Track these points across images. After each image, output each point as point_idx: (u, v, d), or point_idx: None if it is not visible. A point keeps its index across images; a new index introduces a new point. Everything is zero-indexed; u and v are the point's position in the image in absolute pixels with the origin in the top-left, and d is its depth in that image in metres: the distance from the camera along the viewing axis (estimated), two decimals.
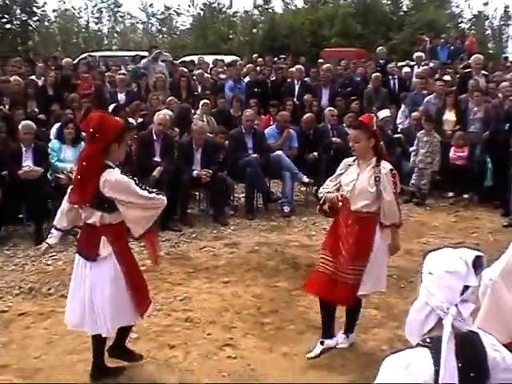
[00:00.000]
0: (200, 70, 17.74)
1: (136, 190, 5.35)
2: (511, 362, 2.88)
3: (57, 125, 11.43)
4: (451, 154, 12.85)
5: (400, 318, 6.73)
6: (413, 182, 12.84)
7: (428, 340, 2.81)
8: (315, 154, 12.69)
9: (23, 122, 10.59)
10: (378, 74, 16.41)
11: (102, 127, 5.33)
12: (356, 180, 6.19)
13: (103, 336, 5.71)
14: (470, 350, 2.80)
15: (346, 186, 6.25)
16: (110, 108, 13.12)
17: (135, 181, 5.40)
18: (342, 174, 6.39)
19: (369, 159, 6.21)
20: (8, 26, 33.57)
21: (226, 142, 12.46)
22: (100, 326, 5.59)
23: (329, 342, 6.55)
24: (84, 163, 5.41)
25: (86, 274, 5.56)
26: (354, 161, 6.35)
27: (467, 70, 15.86)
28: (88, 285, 5.54)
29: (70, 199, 5.60)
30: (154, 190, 5.58)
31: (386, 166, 6.16)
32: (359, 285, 6.21)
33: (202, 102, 13.70)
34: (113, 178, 5.29)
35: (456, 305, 2.77)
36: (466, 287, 2.78)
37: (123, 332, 6.03)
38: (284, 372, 6.15)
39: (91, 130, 5.30)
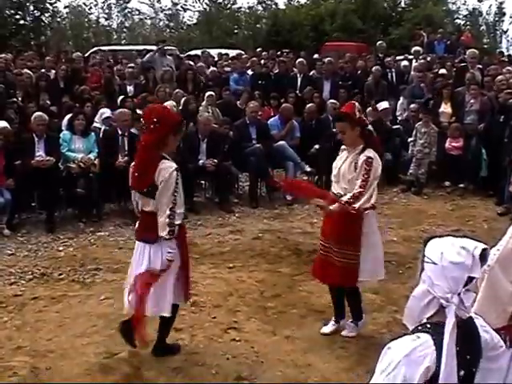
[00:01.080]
0: (200, 63, 17.98)
1: (170, 200, 5.45)
2: (497, 341, 2.95)
3: (68, 116, 11.63)
4: (447, 144, 12.98)
5: (398, 302, 6.95)
6: (411, 171, 12.98)
7: (428, 326, 2.83)
8: (316, 146, 12.89)
9: (36, 114, 10.79)
10: (378, 67, 16.64)
11: (163, 118, 5.52)
12: (342, 165, 6.32)
13: (166, 316, 5.91)
14: (466, 334, 2.83)
15: (334, 169, 6.42)
16: (119, 100, 13.44)
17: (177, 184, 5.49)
18: None
19: (356, 146, 6.24)
20: (21, 21, 33.80)
21: (231, 132, 12.66)
22: (161, 305, 5.80)
23: (342, 322, 6.73)
24: (143, 152, 5.60)
25: (145, 257, 5.70)
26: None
27: (463, 64, 16.14)
28: (145, 267, 5.66)
29: (132, 183, 5.80)
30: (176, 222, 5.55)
31: (366, 154, 6.17)
32: (349, 269, 6.26)
33: (207, 94, 13.85)
34: (167, 173, 5.44)
35: (459, 294, 2.77)
36: (471, 278, 2.80)
37: (166, 328, 6.21)
38: (286, 354, 6.28)
39: (154, 120, 5.46)
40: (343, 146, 6.44)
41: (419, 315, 2.89)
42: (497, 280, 3.74)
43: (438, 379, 2.72)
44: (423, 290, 2.88)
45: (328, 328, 6.72)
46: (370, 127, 6.42)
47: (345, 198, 6.14)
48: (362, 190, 6.12)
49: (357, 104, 6.42)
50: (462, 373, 2.77)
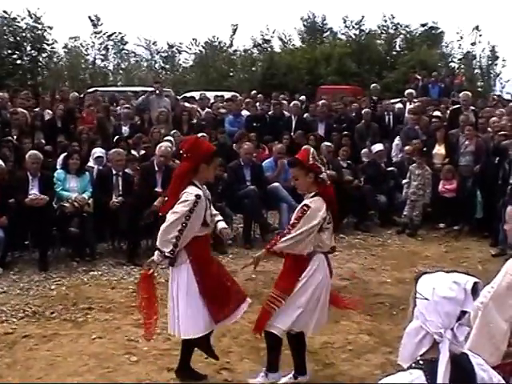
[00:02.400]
0: (193, 106, 18.07)
1: (180, 222, 5.78)
2: (496, 381, 2.91)
3: (62, 155, 11.71)
4: (440, 186, 13.07)
5: (392, 343, 6.93)
6: (405, 213, 13.05)
7: (421, 362, 2.80)
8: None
9: (30, 152, 10.85)
10: (368, 109, 16.80)
11: (193, 148, 6.05)
12: None
13: (181, 338, 6.28)
14: (460, 370, 2.80)
15: None
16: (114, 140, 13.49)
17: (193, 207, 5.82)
18: None
19: (309, 193, 6.14)
20: (18, 61, 34.06)
21: (225, 174, 12.69)
22: (175, 326, 6.15)
23: (272, 376, 6.46)
24: (176, 179, 6.09)
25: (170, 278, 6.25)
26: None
27: (457, 106, 16.30)
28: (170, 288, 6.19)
29: (162, 209, 6.29)
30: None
31: (306, 201, 6.10)
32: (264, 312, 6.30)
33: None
34: (186, 196, 5.83)
35: (452, 329, 2.78)
36: (463, 312, 2.80)
37: (189, 349, 6.46)
38: None
39: (186, 150, 6.04)
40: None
41: (414, 352, 2.86)
42: (491, 318, 3.75)
43: None
44: (416, 327, 2.87)
45: (256, 380, 6.48)
46: (323, 175, 6.17)
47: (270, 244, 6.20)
48: (286, 231, 6.09)
49: (312, 150, 6.30)
50: None
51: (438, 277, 2.89)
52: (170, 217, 5.85)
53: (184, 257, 6.02)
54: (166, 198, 6.31)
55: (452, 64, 39.33)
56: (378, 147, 13.87)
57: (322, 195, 6.08)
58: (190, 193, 5.84)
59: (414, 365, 2.81)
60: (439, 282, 2.85)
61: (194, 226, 5.88)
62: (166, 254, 5.86)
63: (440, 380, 2.68)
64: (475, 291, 2.83)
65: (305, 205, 6.04)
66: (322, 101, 18.04)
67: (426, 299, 2.84)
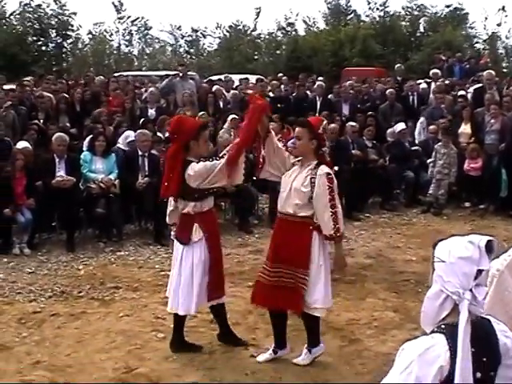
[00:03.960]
0: (218, 87, 18.07)
1: (213, 166, 6.04)
2: None
3: (88, 137, 11.77)
4: (465, 165, 13.03)
5: (417, 320, 6.72)
6: (430, 192, 13.00)
7: (443, 326, 2.81)
8: (336, 168, 12.90)
9: (56, 134, 10.93)
10: (393, 90, 16.68)
11: (178, 128, 6.28)
12: (293, 180, 6.05)
13: (179, 314, 6.44)
14: (482, 335, 2.81)
15: (284, 185, 6.17)
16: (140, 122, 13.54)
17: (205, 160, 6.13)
18: None
19: (309, 161, 6.05)
20: (43, 48, 34.25)
21: (250, 154, 12.68)
22: (175, 303, 6.37)
23: (281, 352, 6.49)
24: (168, 160, 6.34)
25: (178, 257, 6.36)
26: (298, 161, 6.18)
27: (479, 85, 16.17)
28: (178, 265, 6.34)
29: (161, 193, 6.40)
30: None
31: (323, 169, 5.95)
32: (302, 292, 6.04)
33: (230, 117, 13.87)
34: (192, 172, 6.00)
35: (471, 289, 2.77)
36: (480, 271, 2.80)
37: (222, 316, 6.73)
38: (305, 370, 6.27)
39: (171, 131, 6.29)
40: (294, 160, 6.24)
41: (435, 317, 2.88)
42: (506, 286, 3.71)
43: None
44: (436, 291, 2.88)
45: (263, 357, 6.49)
46: (325, 150, 6.24)
47: (325, 231, 5.93)
48: (336, 209, 5.94)
49: (325, 123, 6.41)
50: (478, 375, 2.75)
51: (454, 240, 2.91)
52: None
53: (200, 234, 6.23)
54: (165, 184, 6.31)
55: (477, 45, 39.00)
56: (400, 126, 13.82)
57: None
58: (195, 164, 6.09)
59: (436, 329, 2.83)
60: (454, 243, 2.88)
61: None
62: None
63: (460, 342, 2.68)
64: (490, 249, 2.82)
65: (327, 173, 5.95)
66: (349, 81, 17.97)
67: (443, 261, 2.85)
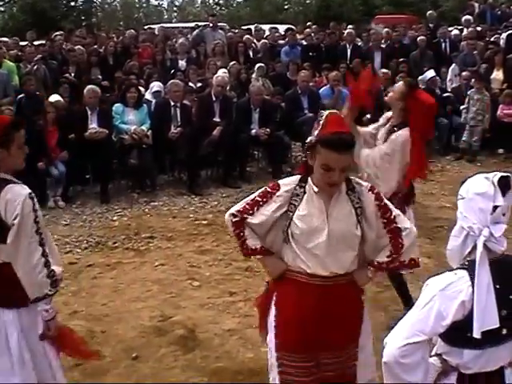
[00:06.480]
0: (248, 36, 17.93)
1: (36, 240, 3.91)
2: None
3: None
4: (499, 111, 12.81)
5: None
6: (464, 139, 12.86)
7: (466, 263, 2.86)
8: (368, 116, 12.80)
9: (88, 87, 10.90)
10: (424, 37, 16.48)
11: None
12: (327, 222, 3.66)
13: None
14: (507, 272, 2.85)
15: (309, 235, 3.67)
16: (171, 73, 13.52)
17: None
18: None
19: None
20: (72, 3, 34.11)
21: (283, 103, 12.64)
22: None
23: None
24: None
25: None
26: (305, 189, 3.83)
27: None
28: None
29: None
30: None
31: (359, 183, 3.82)
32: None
33: (257, 66, 13.88)
34: (18, 204, 3.71)
35: (488, 226, 2.81)
36: (495, 207, 2.82)
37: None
38: None
39: None
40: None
41: (459, 253, 2.94)
42: None
43: None
44: (458, 228, 2.94)
45: None
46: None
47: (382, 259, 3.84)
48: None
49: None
50: (504, 312, 2.80)
51: (475, 177, 2.95)
52: None
53: None
54: None
55: None
56: (430, 74, 13.59)
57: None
58: (19, 194, 3.73)
59: (460, 265, 2.90)
60: (473, 180, 2.93)
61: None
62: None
63: (477, 276, 2.76)
64: (506, 185, 2.85)
65: (370, 187, 3.83)
66: (385, 29, 17.78)
67: (462, 198, 2.92)
